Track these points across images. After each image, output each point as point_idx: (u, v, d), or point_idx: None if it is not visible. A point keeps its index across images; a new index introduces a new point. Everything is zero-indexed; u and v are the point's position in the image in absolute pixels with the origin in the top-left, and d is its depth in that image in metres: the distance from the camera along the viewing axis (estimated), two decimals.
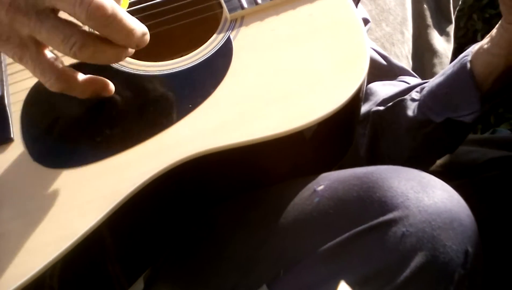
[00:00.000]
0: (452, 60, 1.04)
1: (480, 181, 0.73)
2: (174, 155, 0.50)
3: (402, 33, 1.08)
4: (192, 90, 0.55)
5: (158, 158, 0.50)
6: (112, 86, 0.54)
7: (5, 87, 0.56)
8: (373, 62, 0.83)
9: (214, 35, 0.59)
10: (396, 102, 0.75)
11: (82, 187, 0.50)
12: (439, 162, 0.80)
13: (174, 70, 0.56)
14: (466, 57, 0.67)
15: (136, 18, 0.60)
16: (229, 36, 0.58)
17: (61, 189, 0.50)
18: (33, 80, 0.57)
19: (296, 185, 0.55)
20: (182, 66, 0.57)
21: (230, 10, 0.59)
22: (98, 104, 0.55)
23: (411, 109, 0.72)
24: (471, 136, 0.81)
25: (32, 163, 0.51)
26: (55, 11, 0.47)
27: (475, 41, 0.70)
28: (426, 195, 0.49)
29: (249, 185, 0.58)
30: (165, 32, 0.62)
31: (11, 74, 0.58)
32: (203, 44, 0.58)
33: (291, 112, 0.52)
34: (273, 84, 0.54)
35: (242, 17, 0.60)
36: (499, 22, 0.64)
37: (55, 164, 0.51)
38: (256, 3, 0.59)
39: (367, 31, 0.89)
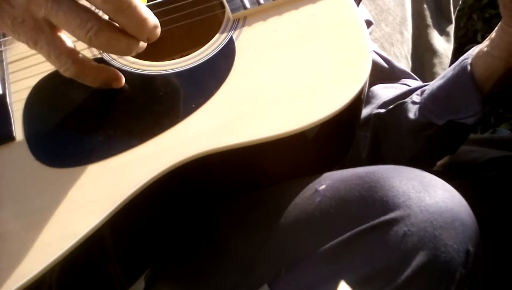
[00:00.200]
0: (452, 60, 1.04)
1: (480, 181, 0.73)
2: (177, 155, 0.50)
3: (402, 33, 1.08)
4: (194, 90, 0.55)
5: (160, 158, 0.50)
6: (123, 79, 0.54)
7: (6, 86, 0.56)
8: (375, 64, 0.84)
9: (217, 35, 0.59)
10: (397, 105, 0.75)
11: (84, 187, 0.50)
12: (439, 162, 0.80)
13: (176, 70, 0.56)
14: (466, 60, 0.67)
15: None
16: (231, 36, 0.58)
17: (63, 188, 0.49)
18: (35, 79, 0.57)
19: (298, 185, 0.55)
20: (184, 66, 0.57)
21: (233, 10, 0.59)
22: (101, 104, 0.55)
23: (412, 112, 0.72)
24: (471, 135, 0.81)
25: (34, 162, 0.51)
26: None
27: (475, 41, 0.71)
28: (427, 194, 0.49)
29: (251, 185, 0.58)
30: (166, 32, 0.62)
31: (13, 72, 0.58)
32: (204, 44, 0.59)
33: (293, 113, 0.52)
34: (276, 85, 0.54)
35: (245, 17, 0.60)
36: (499, 24, 0.64)
37: (57, 163, 0.51)
38: (259, 3, 0.59)
39: (370, 33, 0.89)
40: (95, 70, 0.51)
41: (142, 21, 0.48)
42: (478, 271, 0.49)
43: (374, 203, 0.49)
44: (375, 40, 1.01)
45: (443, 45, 1.11)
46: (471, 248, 0.48)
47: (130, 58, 0.57)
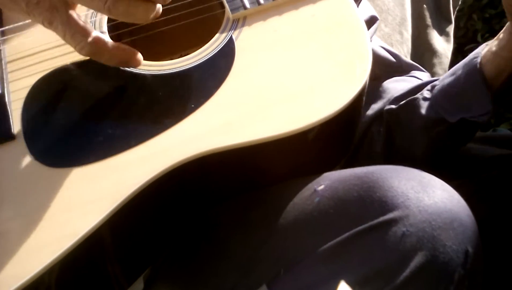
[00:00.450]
0: (452, 60, 1.05)
1: (480, 181, 0.73)
2: (176, 155, 0.50)
3: (401, 33, 1.08)
4: (194, 90, 0.55)
5: (160, 158, 0.50)
6: (141, 58, 0.53)
7: (5, 85, 0.56)
8: (383, 59, 0.84)
9: (217, 35, 0.59)
10: (408, 100, 0.76)
11: (84, 187, 0.50)
12: None
13: (176, 70, 0.56)
14: (476, 59, 0.68)
15: None
16: (231, 36, 0.58)
17: (62, 188, 0.49)
18: (34, 78, 0.56)
19: (297, 185, 0.55)
20: (184, 65, 0.57)
21: (233, 10, 0.59)
22: (100, 103, 0.55)
23: (424, 108, 0.73)
24: None
25: (33, 162, 0.51)
26: None
27: (475, 41, 0.71)
28: (426, 195, 0.49)
29: (250, 185, 0.58)
30: (165, 32, 0.62)
31: (11, 71, 0.58)
32: (204, 44, 0.58)
33: (293, 113, 0.52)
34: (276, 85, 0.54)
35: (245, 17, 0.60)
36: (506, 27, 0.64)
37: (56, 163, 0.51)
38: (259, 3, 0.59)
39: (376, 28, 0.89)
40: (111, 49, 0.50)
41: None
42: (477, 271, 0.49)
43: (372, 204, 0.49)
44: None
45: (442, 45, 1.11)
46: (470, 249, 0.48)
47: None
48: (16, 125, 0.54)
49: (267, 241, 0.54)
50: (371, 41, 0.89)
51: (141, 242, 0.56)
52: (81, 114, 0.54)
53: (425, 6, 1.12)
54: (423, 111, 0.73)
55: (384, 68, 0.85)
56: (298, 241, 0.52)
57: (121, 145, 0.52)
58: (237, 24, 0.59)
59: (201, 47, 0.58)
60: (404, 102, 0.76)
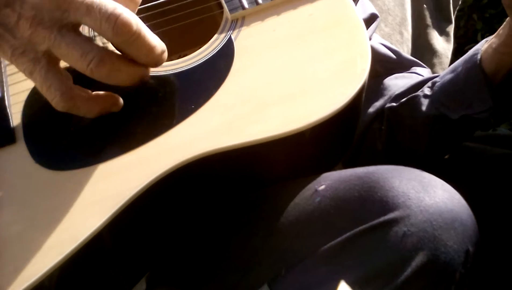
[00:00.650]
0: (452, 60, 1.05)
1: (480, 181, 0.73)
2: (177, 156, 0.50)
3: (401, 33, 1.08)
4: (194, 91, 0.55)
5: (160, 160, 0.50)
6: (121, 101, 0.53)
7: (5, 88, 0.56)
8: (383, 56, 0.85)
9: (215, 36, 0.59)
10: (409, 98, 0.76)
11: (85, 190, 0.49)
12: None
13: (175, 71, 0.56)
14: (476, 55, 0.68)
15: None
16: (230, 36, 0.58)
17: (63, 191, 0.49)
18: None
19: (297, 185, 0.55)
20: (183, 66, 0.57)
21: (231, 10, 0.59)
22: None
23: (425, 105, 0.73)
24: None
25: (34, 165, 0.51)
26: (76, 26, 0.47)
27: (475, 41, 0.71)
28: (427, 194, 0.49)
29: (251, 186, 0.58)
30: (164, 33, 0.62)
31: (11, 74, 0.58)
32: (202, 45, 0.58)
33: (293, 113, 0.52)
34: (275, 85, 0.54)
35: (243, 17, 0.60)
36: (506, 23, 0.64)
37: (57, 166, 0.51)
38: (257, 3, 0.59)
39: (377, 26, 0.90)
40: (87, 103, 0.50)
41: (151, 49, 0.48)
42: (478, 271, 0.48)
43: (373, 204, 0.49)
44: None
45: (443, 45, 1.11)
46: (471, 248, 0.48)
47: None
48: (16, 128, 0.54)
49: (268, 241, 0.54)
50: (371, 38, 0.89)
51: (143, 244, 0.56)
52: (81, 117, 0.54)
53: (425, 6, 1.12)
54: (424, 108, 0.73)
55: (384, 65, 0.86)
56: (299, 241, 0.52)
57: (121, 147, 0.52)
58: (235, 24, 0.59)
59: (200, 47, 0.58)
60: (405, 100, 0.76)
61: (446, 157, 0.82)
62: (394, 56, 0.87)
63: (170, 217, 0.57)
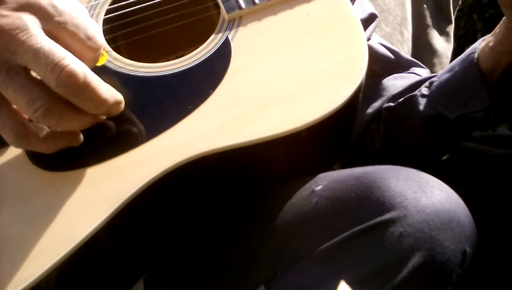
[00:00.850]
0: (452, 60, 1.04)
1: (479, 181, 0.73)
2: (174, 157, 0.50)
3: (402, 33, 1.08)
4: (191, 91, 0.54)
5: (158, 161, 0.50)
6: (81, 137, 0.50)
7: None
8: (381, 56, 0.85)
9: (212, 36, 0.59)
10: (406, 98, 0.76)
11: (82, 191, 0.49)
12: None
13: (172, 71, 0.56)
14: (473, 54, 0.68)
15: (133, 19, 0.61)
16: (227, 36, 0.58)
17: (60, 192, 0.49)
18: None
19: (294, 185, 0.55)
20: (180, 67, 0.56)
21: (228, 10, 0.59)
22: None
23: (422, 104, 0.73)
24: (473, 133, 0.82)
25: (31, 166, 0.51)
26: (27, 70, 0.45)
27: (475, 41, 0.71)
28: (424, 195, 0.49)
29: (248, 186, 0.58)
30: (161, 33, 0.62)
31: None
32: (199, 45, 0.58)
33: (290, 113, 0.52)
34: (272, 85, 0.54)
35: (240, 18, 0.59)
36: (502, 22, 0.64)
37: (54, 167, 0.51)
38: (254, 3, 0.59)
39: (376, 26, 0.90)
40: (44, 142, 0.48)
41: (100, 102, 0.46)
42: (475, 272, 0.48)
43: (370, 204, 0.49)
44: None
45: (443, 45, 1.11)
46: (468, 249, 0.47)
47: (125, 59, 0.57)
48: None
49: (265, 241, 0.54)
50: (370, 38, 0.89)
51: (140, 245, 0.55)
52: None
53: (425, 6, 1.12)
54: (421, 108, 0.73)
55: (383, 65, 0.86)
56: (296, 241, 0.52)
57: (118, 148, 0.51)
58: (232, 24, 0.59)
59: (197, 48, 0.58)
60: (403, 100, 0.76)
61: (446, 157, 0.82)
62: (392, 56, 0.87)
63: (168, 217, 0.57)
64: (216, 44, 0.58)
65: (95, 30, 0.47)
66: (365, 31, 0.74)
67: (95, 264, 0.51)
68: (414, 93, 0.75)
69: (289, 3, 0.59)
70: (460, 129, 0.73)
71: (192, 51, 0.58)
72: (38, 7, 0.45)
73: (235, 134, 0.51)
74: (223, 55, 0.57)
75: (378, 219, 0.48)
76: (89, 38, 0.47)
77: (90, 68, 0.46)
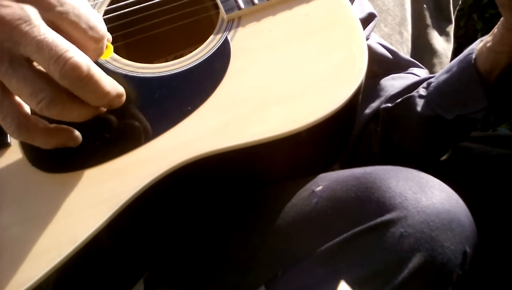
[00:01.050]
0: (452, 60, 1.04)
1: (480, 181, 0.73)
2: (175, 158, 0.50)
3: (401, 33, 1.08)
4: (190, 92, 0.54)
5: (158, 162, 0.50)
6: (80, 137, 0.51)
7: None
8: (379, 56, 0.85)
9: (211, 36, 0.59)
10: (404, 98, 0.76)
11: (82, 192, 0.49)
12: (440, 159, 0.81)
13: (172, 72, 0.56)
14: (470, 55, 0.68)
15: (132, 20, 0.61)
16: (226, 37, 0.58)
17: (60, 194, 0.49)
18: None
19: (294, 186, 0.55)
20: (180, 67, 0.56)
21: (227, 11, 0.59)
22: None
23: (420, 105, 0.73)
24: (472, 133, 0.82)
25: (30, 168, 0.51)
26: (30, 61, 0.44)
27: (475, 41, 0.71)
28: (424, 195, 0.49)
29: (248, 187, 0.58)
30: (160, 33, 0.62)
31: None
32: (198, 45, 0.58)
33: (289, 114, 0.52)
34: (271, 86, 0.54)
35: (239, 18, 0.59)
36: (500, 23, 0.64)
37: (53, 168, 0.51)
38: (253, 3, 0.59)
39: (375, 26, 0.90)
40: (44, 136, 0.48)
41: (103, 94, 0.46)
42: (476, 272, 0.48)
43: (370, 204, 0.49)
44: None
45: (443, 45, 1.11)
46: (468, 249, 0.47)
47: (124, 60, 0.57)
48: None
49: (265, 242, 0.54)
50: (368, 38, 0.89)
51: (141, 245, 0.55)
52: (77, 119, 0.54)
53: (425, 6, 1.12)
54: (419, 108, 0.73)
55: (381, 65, 0.86)
56: (296, 242, 0.52)
57: (118, 149, 0.51)
58: (231, 24, 0.59)
59: (196, 48, 0.58)
60: (400, 100, 0.76)
61: (446, 157, 0.82)
62: (391, 56, 0.87)
63: (169, 218, 0.57)
64: (215, 45, 0.58)
65: (97, 20, 0.47)
66: (363, 30, 0.74)
67: (96, 264, 0.51)
68: (412, 94, 0.75)
69: (288, 3, 0.59)
70: (458, 130, 0.73)
71: (191, 52, 0.58)
72: None
73: (236, 134, 0.51)
74: (222, 55, 0.57)
75: (379, 219, 0.48)
76: (91, 28, 0.46)
77: (94, 61, 0.46)
